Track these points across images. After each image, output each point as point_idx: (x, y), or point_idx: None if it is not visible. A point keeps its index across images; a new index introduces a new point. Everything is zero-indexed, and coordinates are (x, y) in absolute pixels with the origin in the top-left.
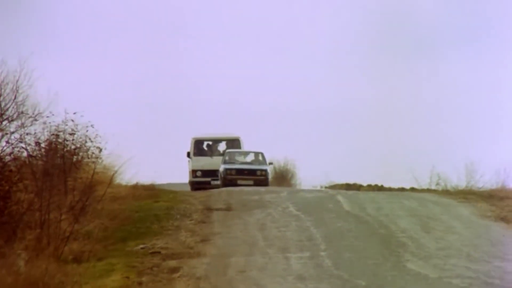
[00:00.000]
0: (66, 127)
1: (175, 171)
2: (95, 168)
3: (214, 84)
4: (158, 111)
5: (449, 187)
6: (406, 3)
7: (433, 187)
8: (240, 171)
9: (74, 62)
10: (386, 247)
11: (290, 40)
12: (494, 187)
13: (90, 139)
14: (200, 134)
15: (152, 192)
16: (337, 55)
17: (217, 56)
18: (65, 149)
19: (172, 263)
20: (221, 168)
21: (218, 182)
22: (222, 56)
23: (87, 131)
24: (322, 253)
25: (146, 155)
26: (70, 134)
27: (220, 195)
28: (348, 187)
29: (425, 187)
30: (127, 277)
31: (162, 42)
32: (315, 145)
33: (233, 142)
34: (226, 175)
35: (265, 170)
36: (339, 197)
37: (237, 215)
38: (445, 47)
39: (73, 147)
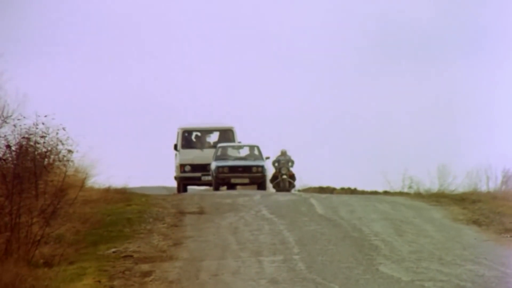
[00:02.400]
0: (37, 129)
1: (147, 174)
2: (66, 171)
3: (194, 84)
4: (131, 114)
5: (421, 191)
6: (404, 6)
7: (406, 190)
8: (233, 169)
9: (44, 63)
10: (359, 251)
11: (283, 41)
12: (466, 190)
13: (61, 142)
14: (189, 124)
15: (124, 195)
16: (327, 57)
17: (198, 55)
18: (36, 152)
19: (145, 266)
20: (213, 165)
21: (210, 178)
22: (202, 55)
23: (58, 133)
24: (295, 257)
25: (118, 158)
26: (41, 137)
27: (192, 198)
28: (322, 190)
29: (397, 190)
30: (99, 281)
31: (134, 41)
32: (288, 148)
33: (226, 133)
34: (219, 173)
35: (262, 166)
36: (312, 200)
37: (210, 219)
38: (426, 50)
39: (44, 150)
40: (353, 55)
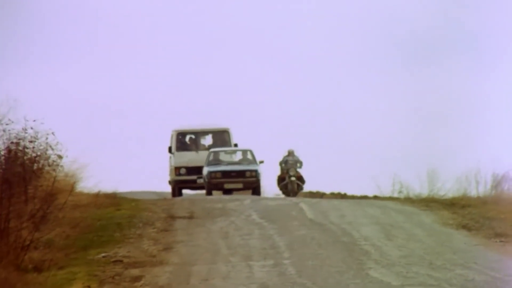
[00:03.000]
0: (26, 134)
1: (137, 179)
2: (56, 176)
3: (186, 87)
4: (121, 118)
5: (411, 195)
6: (401, 8)
7: (396, 195)
8: (227, 174)
9: (33, 68)
10: (349, 255)
11: (282, 41)
12: (456, 195)
13: (51, 146)
14: (183, 126)
15: (114, 200)
16: (317, 60)
17: (190, 57)
18: (25, 157)
19: (135, 271)
20: (205, 170)
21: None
22: (194, 57)
23: (47, 138)
24: (286, 261)
25: (108, 163)
26: (30, 141)
27: (182, 203)
28: (311, 195)
29: (387, 195)
30: (89, 286)
31: (124, 44)
32: (277, 152)
33: (222, 135)
34: (211, 178)
35: (256, 171)
36: (302, 205)
37: (200, 223)
38: (417, 55)
39: (33, 155)
40: (342, 59)
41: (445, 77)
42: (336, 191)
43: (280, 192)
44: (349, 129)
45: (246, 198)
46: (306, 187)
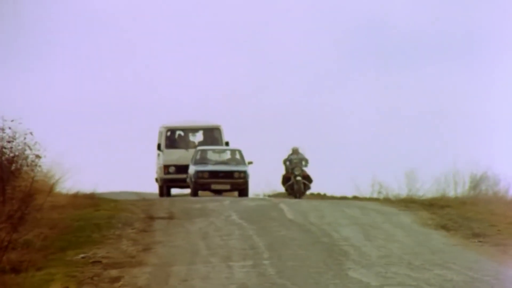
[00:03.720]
0: (4, 134)
1: (116, 179)
2: (34, 177)
3: (166, 88)
4: (100, 118)
5: (390, 196)
6: (387, 12)
7: (375, 195)
8: (214, 174)
9: (11, 66)
10: (329, 256)
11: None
12: (434, 195)
13: (29, 146)
14: (173, 122)
15: (93, 200)
16: (295, 61)
17: (172, 54)
18: (3, 157)
19: (113, 272)
20: (191, 169)
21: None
22: (176, 54)
23: (25, 138)
24: (265, 262)
25: (87, 163)
26: (8, 141)
27: (162, 203)
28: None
29: (367, 195)
30: (67, 287)
31: (103, 42)
32: (258, 153)
33: (213, 132)
34: (198, 178)
35: (244, 172)
36: (282, 206)
37: (180, 224)
38: (395, 57)
39: (11, 155)
40: (322, 60)
41: (423, 79)
42: (315, 191)
43: (285, 192)
44: (328, 130)
45: (226, 199)
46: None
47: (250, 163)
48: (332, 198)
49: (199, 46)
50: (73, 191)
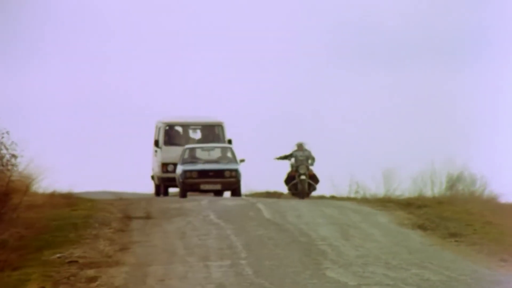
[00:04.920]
0: None
1: (93, 179)
2: (10, 176)
3: (153, 83)
4: (77, 117)
5: (368, 195)
6: (367, 14)
7: (352, 195)
8: (203, 173)
9: None
10: (306, 255)
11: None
12: (411, 195)
13: (5, 146)
14: (172, 118)
15: (69, 200)
16: (288, 61)
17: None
18: None
19: (90, 272)
20: (179, 169)
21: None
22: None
23: (2, 138)
24: (243, 261)
25: (64, 162)
26: None
27: (140, 203)
28: (269, 195)
29: (344, 195)
30: (43, 287)
31: (86, 39)
32: (257, 153)
33: (214, 129)
34: (186, 178)
35: (236, 170)
36: (260, 205)
37: (157, 224)
38: (373, 54)
39: None
40: (302, 58)
41: (400, 77)
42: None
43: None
44: (305, 129)
45: (204, 199)
46: (264, 187)
47: (242, 161)
48: (310, 197)
49: (199, 45)
50: (49, 190)
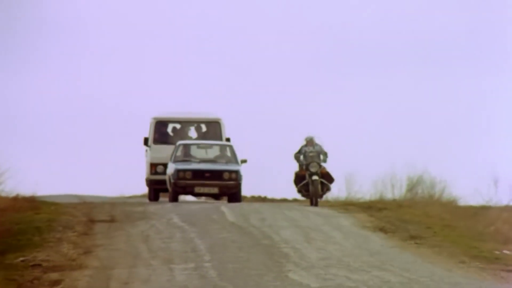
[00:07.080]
0: None
1: (57, 182)
2: None
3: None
4: (42, 118)
5: (329, 198)
6: (353, 18)
7: None
8: (198, 174)
9: None
10: (269, 258)
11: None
12: (372, 198)
13: None
14: (165, 113)
15: (33, 203)
16: (269, 62)
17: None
18: None
19: (54, 275)
20: (170, 168)
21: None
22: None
23: None
24: (206, 264)
25: (27, 165)
26: None
27: (103, 206)
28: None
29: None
30: None
31: (52, 34)
32: (257, 152)
33: (211, 126)
34: (178, 179)
35: (236, 172)
36: (224, 208)
37: (121, 227)
38: (342, 58)
39: None
40: (274, 59)
41: (363, 83)
42: (256, 194)
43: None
44: (267, 132)
45: (167, 202)
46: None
47: (244, 161)
48: (273, 200)
49: (197, 45)
50: (12, 194)
